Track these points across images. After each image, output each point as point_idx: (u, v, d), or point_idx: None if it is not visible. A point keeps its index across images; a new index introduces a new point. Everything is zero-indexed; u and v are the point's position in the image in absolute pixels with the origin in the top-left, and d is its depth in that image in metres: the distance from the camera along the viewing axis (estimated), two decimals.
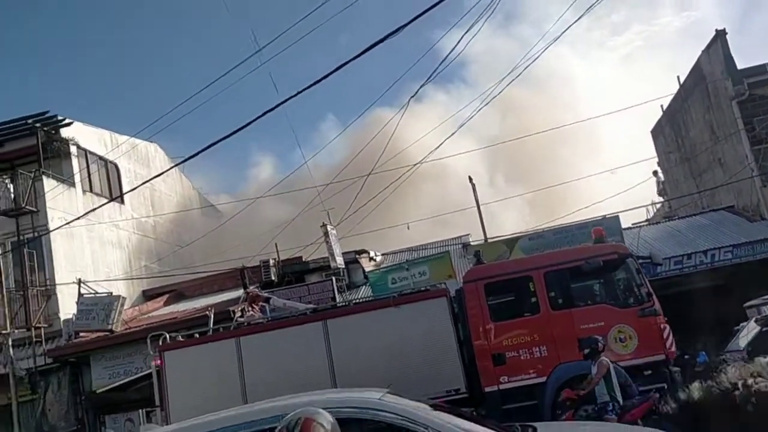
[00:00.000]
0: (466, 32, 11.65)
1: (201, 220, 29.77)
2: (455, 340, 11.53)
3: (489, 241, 18.32)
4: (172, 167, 21.95)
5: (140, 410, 17.39)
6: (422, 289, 12.90)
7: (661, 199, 24.92)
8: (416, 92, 13.25)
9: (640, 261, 11.65)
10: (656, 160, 26.50)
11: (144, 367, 17.01)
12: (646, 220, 22.69)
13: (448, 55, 11.96)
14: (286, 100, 10.78)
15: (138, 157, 25.22)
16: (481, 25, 11.12)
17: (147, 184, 23.11)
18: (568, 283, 11.49)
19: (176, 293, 23.25)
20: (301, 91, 10.43)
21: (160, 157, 27.16)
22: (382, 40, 9.72)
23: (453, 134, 14.14)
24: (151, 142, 25.83)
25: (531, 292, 11.51)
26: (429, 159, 15.84)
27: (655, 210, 25.58)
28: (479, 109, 14.07)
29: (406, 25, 9.22)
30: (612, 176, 23.53)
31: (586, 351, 9.73)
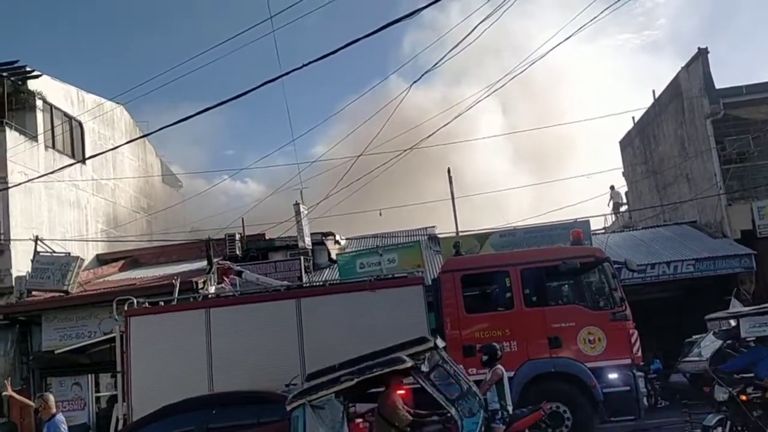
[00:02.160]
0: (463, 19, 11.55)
1: (162, 189, 29.19)
2: (427, 328, 11.53)
3: (460, 234, 18.37)
4: (146, 135, 21.40)
5: (89, 375, 17.01)
6: (398, 275, 12.85)
7: (613, 214, 25.30)
8: (418, 79, 13.12)
9: (616, 266, 11.82)
10: (622, 170, 27.01)
11: (98, 331, 16.60)
12: (603, 229, 23.06)
13: (458, 44, 11.77)
14: (278, 77, 10.51)
15: (103, 118, 24.48)
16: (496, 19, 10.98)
17: (110, 146, 22.58)
18: (543, 282, 11.61)
19: (132, 260, 22.73)
20: (286, 73, 10.18)
21: (126, 120, 26.44)
22: (387, 27, 9.56)
23: (447, 125, 13.92)
24: (118, 104, 25.13)
25: (506, 288, 11.60)
26: (418, 147, 15.73)
27: (613, 219, 26.01)
28: (478, 101, 13.93)
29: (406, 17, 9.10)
30: (588, 180, 23.80)
31: (485, 358, 9.75)
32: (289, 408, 7.20)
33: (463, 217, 21.29)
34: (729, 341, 11.07)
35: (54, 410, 7.99)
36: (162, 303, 12.72)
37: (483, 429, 8.50)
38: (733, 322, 10.63)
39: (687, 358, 14.93)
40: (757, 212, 17.50)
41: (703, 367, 11.71)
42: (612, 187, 24.50)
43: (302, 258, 18.44)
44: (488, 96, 13.17)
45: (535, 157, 46.36)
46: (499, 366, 9.67)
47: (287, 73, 10.06)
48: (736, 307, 14.48)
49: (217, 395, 9.88)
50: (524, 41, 45.81)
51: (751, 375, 9.37)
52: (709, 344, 13.59)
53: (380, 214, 22.80)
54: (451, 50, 11.75)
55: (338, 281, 16.03)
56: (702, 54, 18.51)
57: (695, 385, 12.49)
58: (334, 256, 19.99)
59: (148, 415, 9.71)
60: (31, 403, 8.29)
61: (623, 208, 25.72)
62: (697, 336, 15.26)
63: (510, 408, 9.53)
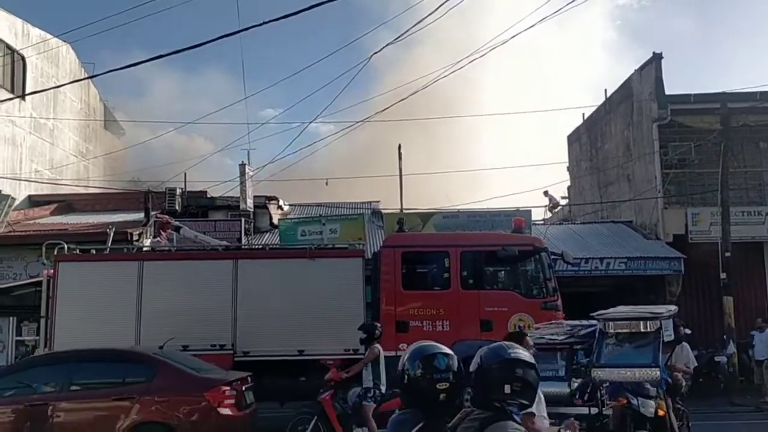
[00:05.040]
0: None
1: (103, 134, 28.29)
2: (363, 301, 11.59)
3: (404, 211, 18.42)
4: (92, 77, 20.61)
5: (11, 318, 16.47)
6: (339, 246, 12.83)
7: (548, 212, 25.81)
8: (379, 50, 12.95)
9: (552, 257, 12.07)
10: (567, 165, 27.51)
11: (24, 273, 16.09)
12: (543, 220, 23.50)
13: (424, 18, 11.65)
14: (236, 32, 10.26)
15: (48, 55, 23.47)
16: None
17: (52, 84, 21.70)
18: (481, 266, 11.81)
19: (66, 204, 22.00)
20: (245, 29, 9.94)
21: (72, 59, 25.41)
22: None
23: (404, 99, 13.83)
24: (65, 42, 24.13)
25: (445, 268, 11.73)
26: (370, 120, 15.62)
27: (554, 212, 26.49)
28: (440, 78, 13.86)
29: None
30: (535, 171, 24.19)
31: (363, 336, 9.97)
32: None
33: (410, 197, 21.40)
34: None
35: None
36: (94, 251, 12.40)
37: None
38: None
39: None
40: (691, 218, 18.03)
41: None
42: (546, 193, 25.18)
43: (243, 220, 18.19)
44: (453, 72, 13.08)
45: (487, 142, 46.83)
46: (377, 345, 9.86)
47: (246, 29, 9.80)
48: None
49: (84, 351, 9.70)
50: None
51: None
52: None
53: (326, 183, 22.66)
54: (419, 22, 11.61)
55: (278, 246, 15.90)
56: (656, 59, 18.88)
57: None
58: (276, 221, 19.80)
59: (12, 365, 9.46)
60: None
61: (560, 206, 26.30)
62: None
63: (383, 387, 9.73)
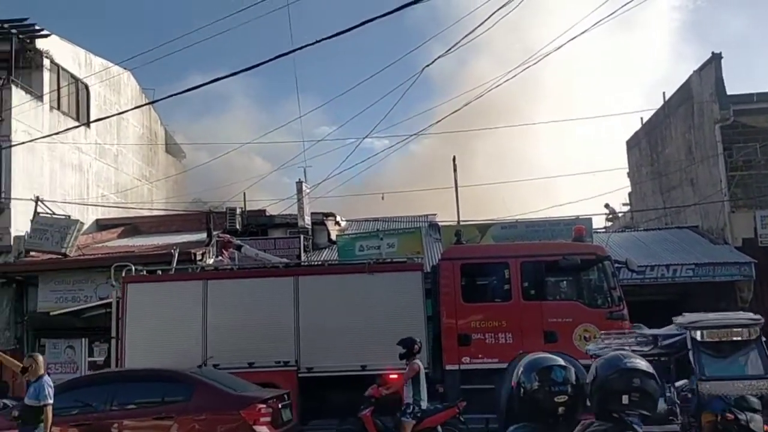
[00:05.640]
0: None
1: (165, 158, 29.13)
2: (424, 315, 11.55)
3: (461, 223, 18.33)
4: (153, 102, 21.24)
5: (83, 339, 17.02)
6: (397, 260, 12.84)
7: (610, 224, 25.40)
8: (430, 63, 12.94)
9: (616, 265, 11.80)
10: (626, 170, 26.95)
11: (94, 296, 16.62)
12: (604, 228, 23.08)
13: (474, 30, 11.62)
14: (291, 51, 10.42)
15: (110, 83, 24.34)
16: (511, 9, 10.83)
17: (115, 111, 22.44)
18: (543, 276, 11.60)
19: (131, 227, 22.67)
20: (298, 48, 10.10)
21: (132, 86, 26.30)
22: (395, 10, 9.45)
23: (456, 111, 13.80)
24: (125, 69, 24.99)
25: (505, 279, 11.59)
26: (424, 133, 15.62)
27: (612, 223, 26.05)
28: (492, 88, 13.77)
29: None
30: (592, 178, 23.82)
31: (402, 351, 9.89)
32: None
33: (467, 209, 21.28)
34: None
35: (42, 371, 7.95)
36: (160, 272, 12.73)
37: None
38: None
39: None
40: (759, 221, 17.44)
41: None
42: (606, 205, 24.84)
43: (302, 237, 18.41)
44: (506, 82, 12.97)
45: (544, 150, 46.33)
46: (417, 360, 9.78)
47: (299, 48, 9.97)
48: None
49: (125, 371, 9.85)
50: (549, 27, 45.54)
51: None
52: None
53: (382, 198, 22.76)
54: (468, 34, 11.59)
55: (337, 262, 16.02)
56: (715, 59, 18.38)
57: None
58: (333, 237, 19.98)
59: (55, 386, 9.74)
60: (19, 364, 8.28)
61: (618, 215, 25.88)
62: None
63: (423, 403, 9.63)
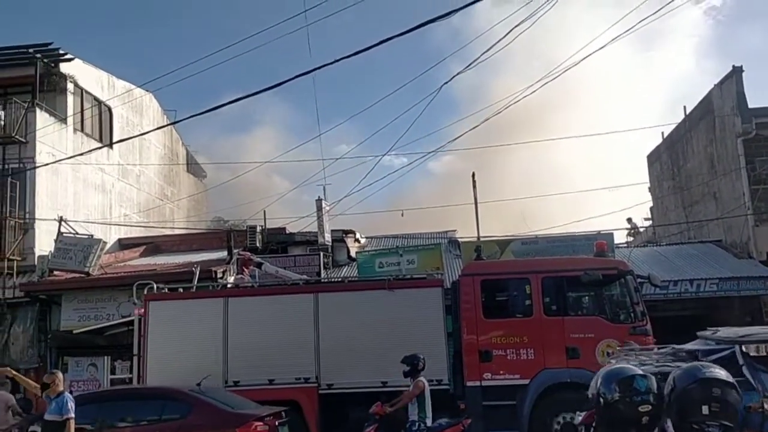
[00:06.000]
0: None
1: (186, 178, 29.43)
2: (444, 331, 11.50)
3: (481, 239, 18.28)
4: (174, 123, 21.51)
5: (105, 357, 17.14)
6: (417, 276, 12.82)
7: (630, 236, 25.27)
8: (448, 81, 13.01)
9: (639, 280, 11.67)
10: (648, 185, 26.76)
11: (116, 314, 16.77)
12: (626, 243, 22.91)
13: (493, 45, 11.67)
14: (310, 71, 10.55)
15: (132, 105, 24.71)
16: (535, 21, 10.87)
17: (137, 132, 22.75)
18: (564, 291, 11.49)
19: (153, 246, 22.87)
20: (318, 67, 10.21)
21: (154, 107, 26.69)
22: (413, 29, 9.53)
23: (474, 128, 13.82)
24: (147, 91, 25.36)
25: (526, 295, 11.49)
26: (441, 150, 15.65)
27: (634, 238, 25.89)
28: (510, 104, 13.79)
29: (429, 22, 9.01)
30: (610, 193, 23.82)
31: (407, 369, 9.81)
32: None
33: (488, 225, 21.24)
34: None
35: (61, 388, 8.09)
36: (181, 290, 12.81)
37: None
38: None
39: None
40: None
41: None
42: (629, 220, 24.72)
43: (322, 254, 18.46)
44: (524, 98, 12.98)
45: (561, 166, 46.14)
46: (422, 378, 9.69)
47: (319, 68, 10.07)
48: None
49: (125, 389, 9.82)
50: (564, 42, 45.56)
51: None
52: None
53: (402, 215, 22.78)
54: (487, 50, 11.64)
55: (357, 279, 16.04)
56: (736, 72, 18.25)
57: None
58: (353, 254, 20.02)
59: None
60: (35, 384, 8.37)
61: (640, 230, 25.74)
62: None
63: (428, 421, 9.54)
